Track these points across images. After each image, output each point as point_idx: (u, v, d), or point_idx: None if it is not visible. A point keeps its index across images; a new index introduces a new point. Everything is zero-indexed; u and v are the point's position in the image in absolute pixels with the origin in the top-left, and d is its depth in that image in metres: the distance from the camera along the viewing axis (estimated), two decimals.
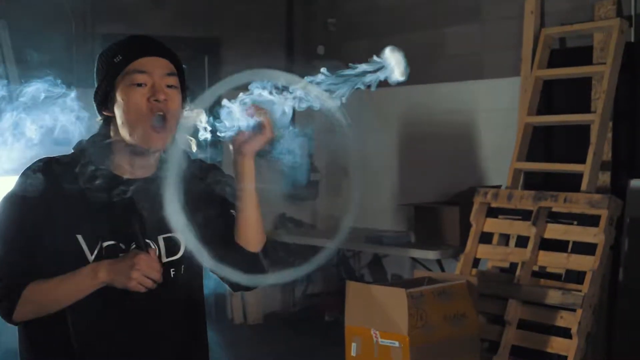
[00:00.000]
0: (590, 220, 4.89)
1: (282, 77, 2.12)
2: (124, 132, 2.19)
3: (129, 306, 2.20)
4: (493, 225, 5.41)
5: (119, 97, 2.18)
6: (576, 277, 4.87)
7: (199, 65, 7.21)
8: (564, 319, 4.77)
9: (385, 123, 7.09)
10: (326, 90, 2.28)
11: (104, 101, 2.22)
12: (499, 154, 6.01)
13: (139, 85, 2.17)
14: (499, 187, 5.56)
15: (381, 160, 7.11)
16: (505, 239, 5.43)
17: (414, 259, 6.38)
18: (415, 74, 7.07)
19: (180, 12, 7.03)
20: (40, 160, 2.25)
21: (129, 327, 2.22)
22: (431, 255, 5.89)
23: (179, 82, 2.23)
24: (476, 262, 5.51)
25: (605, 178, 5.23)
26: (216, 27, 7.26)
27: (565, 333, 4.77)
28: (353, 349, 4.76)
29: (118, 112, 2.19)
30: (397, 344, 4.51)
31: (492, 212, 5.45)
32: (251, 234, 2.34)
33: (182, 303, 2.30)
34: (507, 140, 5.76)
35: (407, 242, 6.26)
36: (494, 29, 6.28)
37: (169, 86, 2.19)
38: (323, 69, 2.22)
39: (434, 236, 6.09)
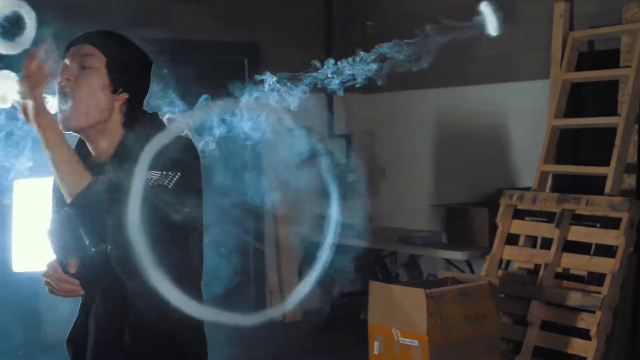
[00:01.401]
0: (612, 223, 4.93)
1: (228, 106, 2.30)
2: None
3: None
4: (519, 226, 5.47)
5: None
6: (598, 279, 4.92)
7: (239, 68, 7.38)
8: (584, 321, 4.83)
9: (418, 125, 7.19)
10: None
11: None
12: (529, 156, 6.06)
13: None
14: (528, 189, 5.62)
15: (415, 162, 7.22)
16: (533, 240, 5.49)
17: (446, 260, 6.48)
18: (448, 77, 7.21)
19: (221, 16, 7.20)
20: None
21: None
22: (460, 255, 5.98)
23: (107, 59, 2.40)
24: (507, 263, 5.60)
25: (630, 181, 5.26)
26: (256, 31, 7.42)
27: (586, 334, 4.83)
28: (376, 347, 4.88)
29: None
30: (416, 343, 4.63)
31: (520, 214, 5.52)
32: None
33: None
34: (538, 143, 5.81)
35: (438, 243, 6.36)
36: (524, 32, 6.33)
37: (83, 66, 2.40)
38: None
39: (464, 237, 6.17)
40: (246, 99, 2.67)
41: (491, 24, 2.28)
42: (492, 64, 6.59)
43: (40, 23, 2.50)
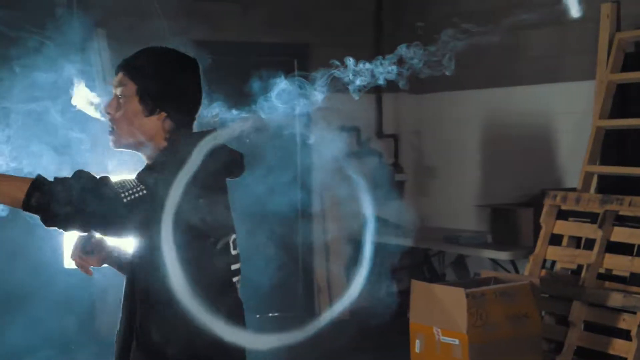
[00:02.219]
0: None
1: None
2: None
3: None
4: (562, 227, 5.49)
5: None
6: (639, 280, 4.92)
7: (289, 69, 7.48)
8: (625, 321, 4.83)
9: (466, 125, 7.22)
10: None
11: None
12: (575, 157, 6.06)
13: None
14: (573, 189, 5.63)
15: (462, 162, 7.25)
16: (576, 241, 5.50)
17: (492, 260, 6.51)
18: (496, 77, 7.24)
19: (270, 17, 7.31)
20: None
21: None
22: (504, 255, 6.01)
23: (137, 86, 2.56)
24: (553, 263, 5.61)
25: None
26: (305, 32, 7.52)
27: (627, 335, 4.83)
28: (417, 346, 4.94)
29: None
30: (457, 341, 4.67)
31: (564, 215, 5.53)
32: None
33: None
34: (584, 143, 5.80)
35: (483, 243, 6.39)
36: (571, 32, 6.33)
37: (117, 95, 2.58)
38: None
39: (509, 237, 6.20)
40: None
41: (573, 7, 2.37)
42: (540, 65, 6.61)
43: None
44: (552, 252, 5.48)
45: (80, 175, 2.37)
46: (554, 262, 5.63)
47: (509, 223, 6.23)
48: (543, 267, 5.54)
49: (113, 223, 2.34)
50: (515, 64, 6.79)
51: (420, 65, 2.75)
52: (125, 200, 2.31)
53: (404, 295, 7.54)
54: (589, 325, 5.15)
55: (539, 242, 5.50)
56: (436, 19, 7.57)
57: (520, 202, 6.42)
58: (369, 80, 2.58)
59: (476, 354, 4.62)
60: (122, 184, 2.35)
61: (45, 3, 6.34)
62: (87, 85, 6.49)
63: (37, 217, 2.34)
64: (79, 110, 6.12)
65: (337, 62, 2.66)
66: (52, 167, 4.59)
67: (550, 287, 5.26)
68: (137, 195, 2.34)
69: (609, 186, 5.60)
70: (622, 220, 5.17)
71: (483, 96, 7.05)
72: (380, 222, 7.94)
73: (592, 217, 5.30)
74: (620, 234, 5.11)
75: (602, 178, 5.69)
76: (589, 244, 5.28)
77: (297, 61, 7.54)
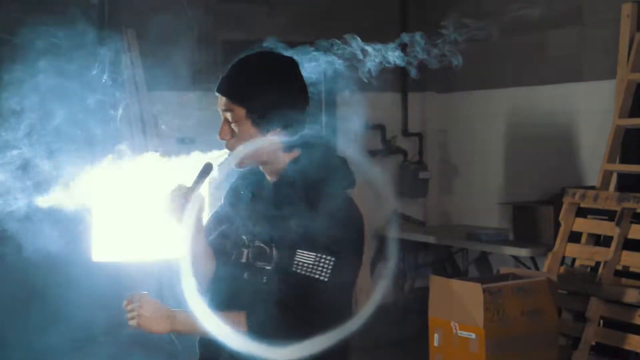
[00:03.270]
0: None
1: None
2: None
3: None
4: (581, 225, 5.56)
5: None
6: None
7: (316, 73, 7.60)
8: None
9: (490, 124, 7.31)
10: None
11: None
12: (596, 155, 6.12)
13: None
14: (594, 187, 5.69)
15: (486, 160, 7.34)
16: (595, 238, 5.57)
17: (514, 257, 6.58)
18: (519, 76, 7.32)
19: (295, 18, 7.43)
20: None
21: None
22: (524, 252, 6.10)
23: (246, 109, 2.39)
24: (573, 260, 5.68)
25: None
26: (330, 32, 7.61)
27: None
28: (435, 340, 5.05)
29: None
30: (473, 336, 4.77)
31: (583, 212, 5.60)
32: None
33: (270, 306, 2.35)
34: (605, 142, 5.87)
35: (504, 240, 6.48)
36: (594, 32, 6.40)
37: (227, 120, 2.42)
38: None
39: (530, 234, 6.29)
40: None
41: None
42: (563, 64, 6.67)
43: None
44: (571, 249, 5.55)
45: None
46: (574, 259, 5.70)
47: (530, 220, 6.31)
48: (562, 264, 5.61)
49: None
50: (539, 63, 6.87)
51: (424, 55, 2.83)
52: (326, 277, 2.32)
53: (427, 291, 7.66)
54: (606, 321, 5.22)
55: (558, 239, 5.57)
56: (460, 18, 7.65)
57: (541, 200, 6.50)
58: (377, 61, 2.67)
59: (492, 348, 4.71)
60: (315, 265, 2.31)
61: (78, 3, 6.50)
62: (117, 88, 6.64)
63: None
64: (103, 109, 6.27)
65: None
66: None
67: (568, 284, 5.34)
68: (331, 267, 2.31)
69: (631, 184, 5.66)
70: (639, 218, 5.24)
71: (507, 95, 7.14)
72: (405, 218, 8.13)
73: (610, 215, 5.37)
74: (638, 232, 5.17)
75: (623, 177, 5.74)
76: (607, 241, 5.35)
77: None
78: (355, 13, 7.71)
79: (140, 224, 4.33)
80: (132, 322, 2.38)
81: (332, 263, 2.31)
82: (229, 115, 2.40)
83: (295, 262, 2.32)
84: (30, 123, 4.84)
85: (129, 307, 2.40)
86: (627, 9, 5.78)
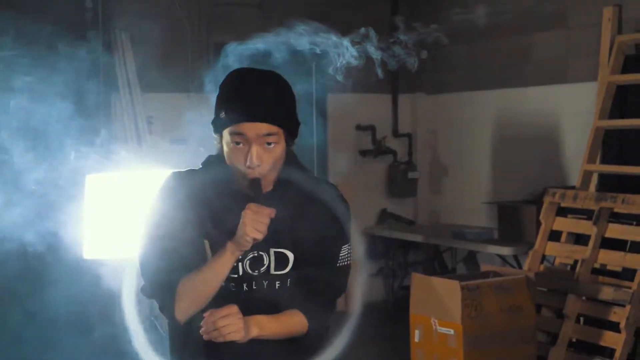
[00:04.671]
0: None
1: None
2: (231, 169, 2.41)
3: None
4: (561, 223, 5.68)
5: (224, 144, 2.39)
6: (631, 274, 5.10)
7: (307, 72, 7.73)
8: (616, 314, 5.02)
9: (478, 125, 7.45)
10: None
11: (214, 131, 2.43)
12: (580, 156, 6.23)
13: (238, 143, 2.35)
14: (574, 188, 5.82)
15: (474, 161, 7.48)
16: (575, 237, 5.69)
17: (499, 255, 6.72)
18: (505, 78, 7.44)
19: (288, 20, 7.55)
20: (174, 174, 2.48)
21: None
22: (507, 251, 6.23)
23: (285, 130, 2.37)
24: (555, 258, 5.81)
25: None
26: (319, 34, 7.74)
27: (618, 327, 5.02)
28: (416, 336, 5.18)
29: (224, 152, 2.40)
30: (452, 331, 4.90)
31: (564, 212, 5.72)
32: None
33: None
34: None
35: (489, 239, 6.61)
36: (578, 35, 6.53)
37: (268, 143, 2.34)
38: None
39: (514, 233, 6.42)
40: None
41: None
42: (548, 66, 6.80)
43: None
44: (551, 248, 5.68)
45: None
46: (555, 258, 5.82)
47: (514, 220, 6.45)
48: (543, 262, 5.74)
49: None
50: (525, 65, 7.00)
51: (377, 54, 2.97)
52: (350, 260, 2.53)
53: None
54: (586, 318, 5.34)
55: (539, 238, 5.70)
56: (446, 21, 7.79)
57: (525, 200, 6.63)
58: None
59: (470, 343, 4.85)
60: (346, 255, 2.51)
61: (72, 7, 6.64)
62: (111, 89, 6.75)
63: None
64: (97, 110, 6.38)
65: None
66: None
67: (547, 281, 5.47)
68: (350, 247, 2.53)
69: (612, 185, 5.78)
70: (618, 217, 5.36)
71: (495, 97, 7.28)
72: (394, 218, 8.24)
73: (589, 214, 5.49)
74: (615, 231, 5.29)
75: (605, 177, 5.86)
76: (586, 240, 5.47)
77: (315, 64, 7.77)
78: (344, 15, 7.82)
79: (131, 222, 4.45)
80: (215, 334, 2.29)
81: (350, 247, 2.52)
82: (270, 138, 2.33)
83: (340, 256, 2.49)
84: (20, 122, 4.98)
85: (214, 321, 2.29)
86: (608, 12, 5.90)
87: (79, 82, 5.92)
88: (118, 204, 4.89)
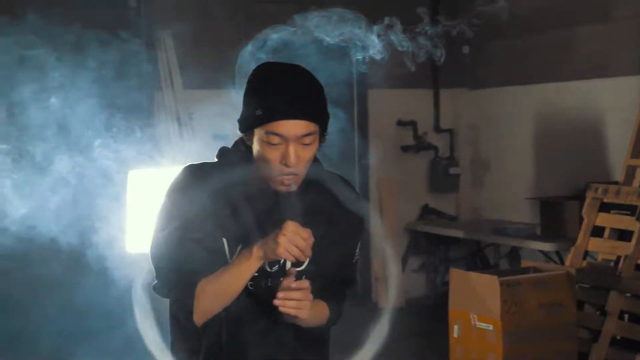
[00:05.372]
0: None
1: None
2: (259, 168, 2.31)
3: (258, 310, 2.35)
4: (604, 219, 5.63)
5: (255, 142, 2.28)
6: None
7: (347, 67, 7.73)
8: None
9: (520, 120, 7.41)
10: None
11: (244, 129, 2.32)
12: (623, 151, 6.18)
13: (273, 144, 2.25)
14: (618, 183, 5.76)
15: (516, 156, 7.44)
16: (619, 233, 5.63)
17: (542, 252, 6.67)
18: (547, 73, 7.40)
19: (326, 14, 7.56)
20: (190, 168, 2.37)
21: (258, 333, 2.37)
22: (549, 247, 6.20)
23: (320, 126, 2.30)
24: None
25: None
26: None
27: None
28: (455, 331, 5.18)
29: (254, 150, 2.29)
30: (491, 327, 4.89)
31: (607, 207, 5.67)
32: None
33: None
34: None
35: (531, 235, 6.57)
36: (620, 28, 6.46)
37: (304, 144, 2.27)
38: None
39: (556, 229, 6.37)
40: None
41: None
42: (590, 60, 6.74)
43: None
44: (594, 244, 5.63)
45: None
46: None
47: (557, 215, 6.40)
48: (586, 258, 5.69)
49: None
50: (567, 59, 6.94)
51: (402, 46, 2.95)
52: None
53: None
54: (629, 315, 5.29)
55: (581, 234, 5.65)
56: (489, 15, 7.75)
57: (568, 195, 6.58)
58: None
59: (509, 339, 4.83)
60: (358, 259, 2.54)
61: (115, 6, 6.72)
62: (154, 86, 6.84)
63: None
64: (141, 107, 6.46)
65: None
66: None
67: (589, 278, 5.42)
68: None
69: None
70: None
71: (535, 91, 7.23)
72: (436, 213, 8.24)
73: (632, 210, 5.44)
74: None
75: None
76: (629, 235, 5.42)
77: (356, 67, 7.76)
78: (384, 7, 7.81)
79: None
80: (291, 305, 2.23)
81: (361, 242, 2.53)
82: (308, 138, 2.26)
83: (355, 253, 2.51)
84: (63, 120, 5.06)
85: (295, 295, 2.23)
86: None
87: (121, 79, 6.00)
88: (160, 199, 4.96)
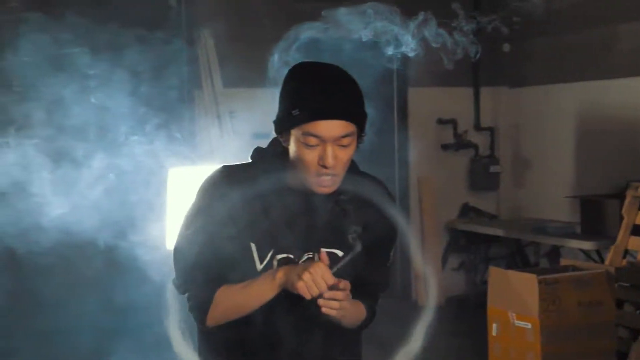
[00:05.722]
0: None
1: None
2: (295, 170, 2.27)
3: (291, 314, 2.32)
4: None
5: (292, 143, 2.24)
6: None
7: (388, 65, 7.75)
8: None
9: (561, 118, 7.37)
10: None
11: (280, 130, 2.29)
12: None
13: (311, 145, 2.21)
14: None
15: (557, 154, 7.40)
16: None
17: (582, 250, 6.63)
18: (588, 70, 7.36)
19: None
20: (220, 169, 2.35)
21: (289, 335, 2.35)
22: (588, 245, 6.16)
23: (358, 127, 2.26)
24: None
25: None
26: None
27: None
28: (494, 329, 5.17)
29: (290, 151, 2.25)
30: (529, 325, 4.89)
31: None
32: None
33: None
34: None
35: (571, 233, 6.53)
36: None
37: (342, 145, 2.23)
38: None
39: (597, 227, 6.33)
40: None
41: None
42: (631, 58, 6.68)
43: None
44: (634, 242, 5.58)
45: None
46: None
47: (597, 214, 6.36)
48: (626, 256, 5.64)
49: None
50: (609, 57, 6.89)
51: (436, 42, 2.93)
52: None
53: None
54: None
55: (621, 232, 5.60)
56: (530, 13, 7.71)
57: (608, 194, 6.54)
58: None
59: (548, 337, 4.82)
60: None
61: (156, 5, 6.79)
62: (194, 85, 6.91)
63: None
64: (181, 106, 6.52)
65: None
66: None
67: (629, 276, 5.37)
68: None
69: None
70: None
71: (577, 89, 7.19)
72: (476, 212, 8.21)
73: None
74: None
75: None
76: None
77: (396, 57, 7.77)
78: (427, 4, 7.81)
79: None
80: (333, 305, 2.21)
81: (396, 245, 2.49)
82: (346, 140, 2.23)
83: (389, 256, 2.48)
84: (105, 118, 5.13)
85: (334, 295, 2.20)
86: None
87: (162, 78, 6.06)
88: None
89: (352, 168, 2.36)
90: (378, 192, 2.38)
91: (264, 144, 2.41)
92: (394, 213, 2.39)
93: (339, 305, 2.20)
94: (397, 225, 2.41)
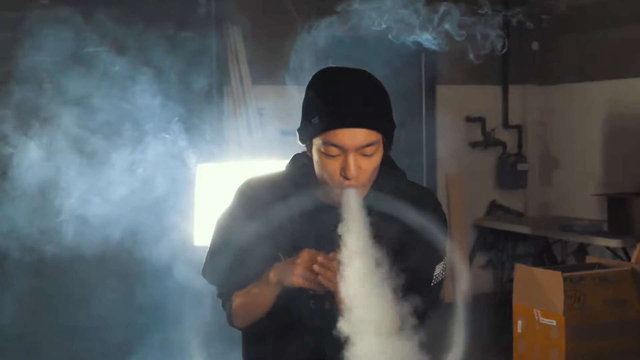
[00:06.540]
0: None
1: None
2: (321, 180, 2.20)
3: (301, 318, 2.26)
4: None
5: (314, 152, 2.17)
6: None
7: (416, 63, 7.77)
8: None
9: (589, 116, 7.35)
10: None
11: (302, 139, 2.22)
12: None
13: (332, 155, 2.13)
14: None
15: (585, 152, 7.39)
16: None
17: (609, 248, 6.62)
18: (617, 69, 7.35)
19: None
20: (252, 183, 2.31)
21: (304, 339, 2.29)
22: (615, 243, 6.16)
23: (384, 135, 2.17)
24: None
25: None
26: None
27: None
28: (519, 326, 5.18)
29: (314, 162, 2.19)
30: (554, 322, 4.89)
31: None
32: None
33: None
34: None
35: (597, 231, 6.53)
36: None
37: (365, 154, 2.13)
38: None
39: (623, 225, 6.33)
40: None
41: None
42: None
43: None
44: None
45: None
46: None
47: (624, 212, 6.36)
48: None
49: None
50: (637, 55, 6.87)
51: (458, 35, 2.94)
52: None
53: None
54: None
55: None
56: (558, 11, 7.70)
57: (635, 192, 6.54)
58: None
59: (573, 335, 4.82)
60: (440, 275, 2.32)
61: (186, 2, 6.85)
62: (223, 82, 6.97)
63: None
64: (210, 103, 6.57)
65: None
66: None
67: None
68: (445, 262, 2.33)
69: None
70: None
71: (606, 87, 7.17)
72: (503, 210, 8.21)
73: None
74: None
75: None
76: None
77: (425, 63, 7.77)
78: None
79: None
80: (326, 281, 2.11)
81: (445, 263, 2.34)
82: (369, 149, 2.13)
83: (434, 275, 2.32)
84: (135, 115, 5.19)
85: (330, 265, 2.11)
86: None
87: (191, 75, 6.11)
88: (228, 193, 5.05)
89: (400, 177, 2.31)
90: (427, 203, 2.29)
91: (292, 140, 2.36)
92: (442, 228, 2.27)
93: (333, 276, 2.09)
94: (441, 247, 2.27)
